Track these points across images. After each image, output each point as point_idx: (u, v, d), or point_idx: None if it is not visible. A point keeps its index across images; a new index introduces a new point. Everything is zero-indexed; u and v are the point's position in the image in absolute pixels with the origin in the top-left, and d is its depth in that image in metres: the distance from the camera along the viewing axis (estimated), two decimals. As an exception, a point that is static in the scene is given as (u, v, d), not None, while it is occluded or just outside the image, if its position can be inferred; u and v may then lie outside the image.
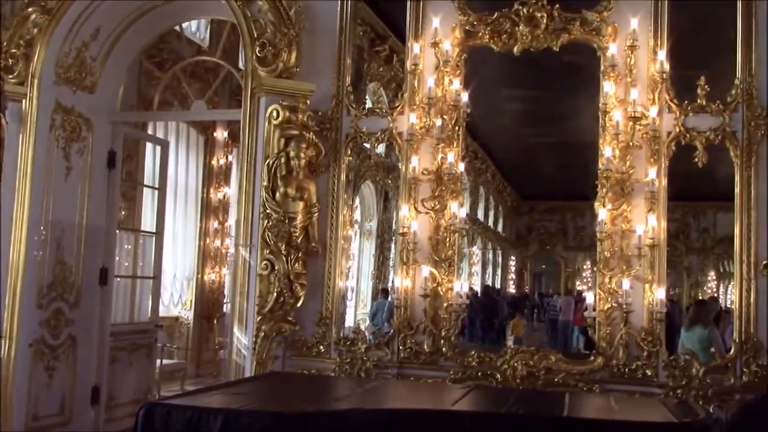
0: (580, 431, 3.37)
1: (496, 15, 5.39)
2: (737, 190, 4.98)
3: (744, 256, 4.90)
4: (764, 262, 4.84)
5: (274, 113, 5.42)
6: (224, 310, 11.78)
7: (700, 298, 8.78)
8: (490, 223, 11.11)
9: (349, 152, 5.72)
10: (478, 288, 10.37)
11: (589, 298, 5.13)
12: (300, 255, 5.39)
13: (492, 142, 8.66)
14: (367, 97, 6.75)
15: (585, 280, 11.01)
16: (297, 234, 5.36)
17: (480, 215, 10.46)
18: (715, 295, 9.11)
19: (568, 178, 9.61)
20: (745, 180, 4.96)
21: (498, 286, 11.16)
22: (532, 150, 9.13)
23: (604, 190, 5.04)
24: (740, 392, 4.70)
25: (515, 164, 10.01)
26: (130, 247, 8.03)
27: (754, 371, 4.74)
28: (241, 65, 7.00)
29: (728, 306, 7.55)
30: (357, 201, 9.01)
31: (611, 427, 3.35)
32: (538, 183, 10.22)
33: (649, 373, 4.89)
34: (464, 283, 6.22)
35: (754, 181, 4.96)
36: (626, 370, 4.92)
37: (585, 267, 11.03)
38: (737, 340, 4.84)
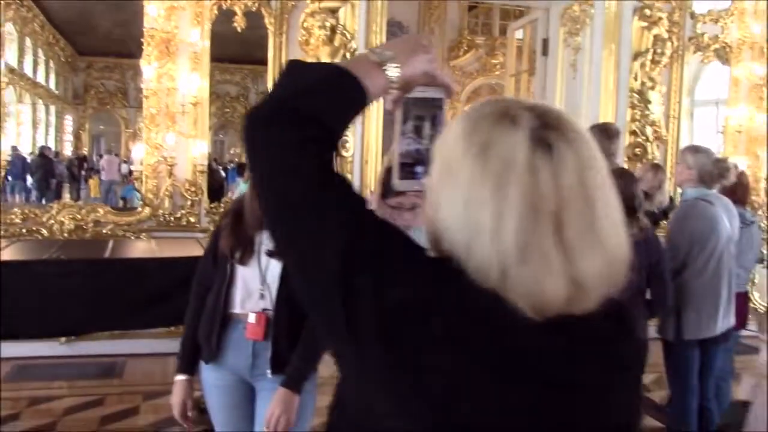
0: (120, 270, 3.72)
1: None
2: (271, 54, 5.64)
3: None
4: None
5: None
6: None
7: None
8: (40, 79, 10.33)
9: None
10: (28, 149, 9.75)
11: (138, 153, 5.39)
12: None
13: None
14: None
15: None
16: None
17: (28, 70, 9.63)
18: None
19: (127, 36, 9.45)
20: (278, 46, 5.63)
21: (54, 147, 10.61)
22: (89, 3, 8.66)
23: (150, 48, 5.24)
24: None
25: (69, 17, 9.37)
26: None
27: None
28: None
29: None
30: None
31: (152, 263, 3.79)
32: (96, 38, 9.86)
33: (193, 220, 5.48)
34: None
35: (285, 47, 5.65)
36: (172, 218, 5.43)
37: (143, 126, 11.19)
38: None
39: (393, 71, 1.02)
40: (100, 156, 11.70)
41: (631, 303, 0.99)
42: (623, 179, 3.04)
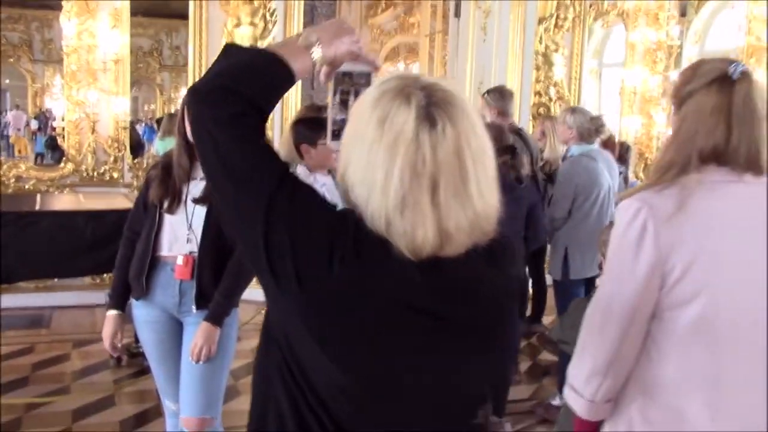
0: (51, 220, 3.97)
1: None
2: (192, 11, 5.82)
3: (197, 72, 5.85)
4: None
5: None
6: None
7: (172, 111, 9.69)
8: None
9: None
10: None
11: (59, 110, 5.53)
12: None
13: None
14: None
15: (55, 96, 10.95)
16: None
17: None
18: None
19: None
20: (198, 5, 5.82)
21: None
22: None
23: (70, 4, 5.36)
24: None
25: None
26: None
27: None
28: None
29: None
30: None
31: (81, 215, 4.03)
32: None
33: (116, 176, 5.71)
34: None
35: (205, 6, 5.83)
36: (95, 173, 5.62)
37: (54, 82, 10.93)
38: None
39: (317, 52, 1.23)
40: (7, 111, 11.41)
41: (506, 245, 1.21)
42: (493, 131, 3.54)
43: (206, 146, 1.16)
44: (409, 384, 1.14)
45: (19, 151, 9.56)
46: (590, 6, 6.80)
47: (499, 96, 4.56)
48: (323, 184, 3.22)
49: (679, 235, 1.45)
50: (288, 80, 1.22)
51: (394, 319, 1.10)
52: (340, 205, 1.16)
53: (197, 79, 1.21)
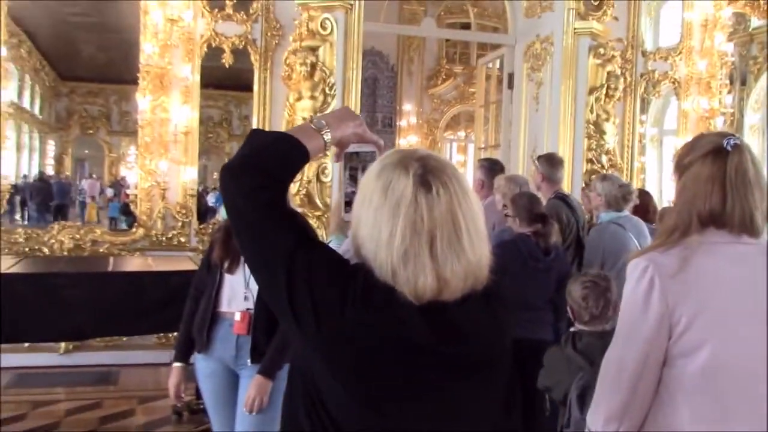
0: (123, 281, 4.31)
1: None
2: (256, 88, 6.28)
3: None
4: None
5: None
6: None
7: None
8: (26, 104, 10.79)
9: None
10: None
11: (132, 178, 5.99)
12: None
13: (26, 15, 8.46)
14: None
15: (129, 165, 11.57)
16: None
17: (13, 96, 10.13)
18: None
19: (110, 61, 9.82)
20: (262, 81, 6.27)
21: (47, 172, 11.04)
22: (73, 28, 9.15)
23: (145, 82, 5.86)
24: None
25: (53, 42, 9.82)
26: None
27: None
28: None
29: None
30: None
31: (148, 276, 4.37)
32: (80, 63, 10.19)
33: (183, 240, 6.09)
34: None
35: (269, 81, 6.29)
36: (164, 238, 6.02)
37: (129, 152, 11.57)
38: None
39: (327, 135, 1.46)
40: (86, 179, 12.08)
41: (499, 291, 1.40)
42: (524, 200, 3.74)
43: (235, 214, 1.37)
44: (414, 412, 1.30)
45: (90, 218, 10.16)
46: (641, 76, 7.00)
47: (548, 162, 4.72)
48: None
49: (683, 290, 1.63)
50: (303, 158, 1.42)
51: (399, 355, 1.28)
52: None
53: (229, 159, 1.42)
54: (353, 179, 1.51)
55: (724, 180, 1.70)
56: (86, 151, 12.21)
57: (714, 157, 1.73)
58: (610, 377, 1.73)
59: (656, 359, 1.66)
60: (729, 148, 1.72)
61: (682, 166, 1.80)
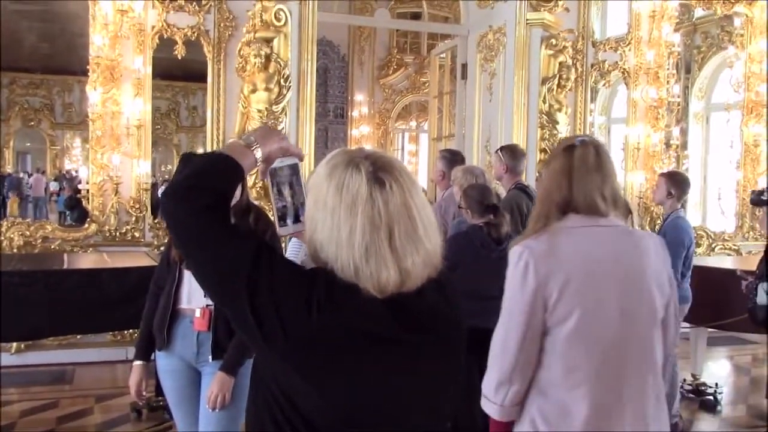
0: (81, 278, 4.27)
1: None
2: (210, 80, 6.24)
3: (214, 134, 6.23)
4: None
5: None
6: None
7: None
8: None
9: None
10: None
11: (83, 172, 5.91)
12: None
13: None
14: None
15: (75, 158, 11.33)
16: None
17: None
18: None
19: (54, 51, 9.54)
20: (216, 72, 6.23)
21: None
22: (15, 17, 8.89)
23: (95, 74, 5.78)
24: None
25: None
26: None
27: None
28: None
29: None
30: None
31: (106, 273, 4.34)
32: (21, 53, 9.83)
33: (137, 235, 6.03)
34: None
35: (223, 73, 6.25)
36: (117, 233, 5.94)
37: (75, 144, 11.32)
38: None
39: (258, 151, 1.48)
40: (28, 174, 11.81)
41: (449, 279, 1.48)
42: (476, 191, 3.85)
43: (185, 237, 1.40)
44: (384, 401, 1.37)
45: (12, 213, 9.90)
46: (592, 66, 7.17)
47: (511, 154, 4.80)
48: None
49: (553, 268, 1.91)
50: (240, 175, 1.46)
51: (367, 348, 1.34)
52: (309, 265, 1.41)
53: (167, 185, 1.46)
54: (280, 194, 1.54)
55: (570, 171, 1.99)
56: (28, 144, 11.92)
57: (564, 153, 2.03)
58: (498, 347, 1.98)
59: (536, 328, 1.92)
60: (577, 143, 2.02)
61: (545, 164, 2.12)
